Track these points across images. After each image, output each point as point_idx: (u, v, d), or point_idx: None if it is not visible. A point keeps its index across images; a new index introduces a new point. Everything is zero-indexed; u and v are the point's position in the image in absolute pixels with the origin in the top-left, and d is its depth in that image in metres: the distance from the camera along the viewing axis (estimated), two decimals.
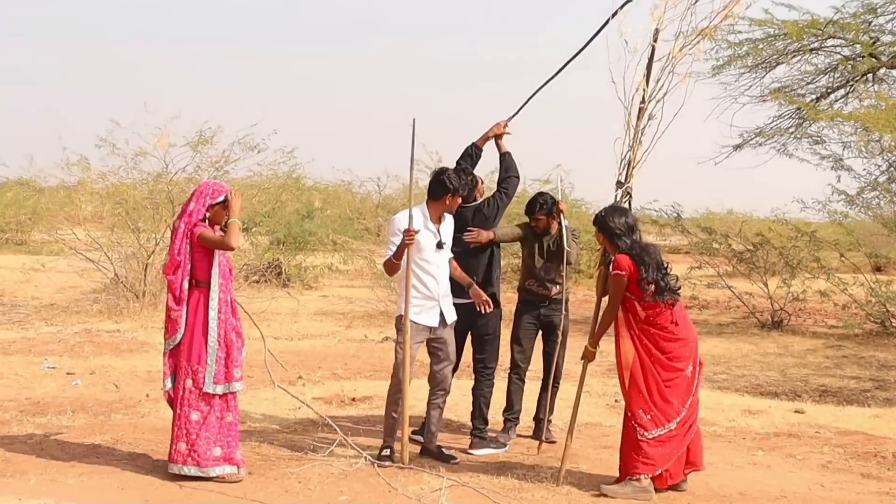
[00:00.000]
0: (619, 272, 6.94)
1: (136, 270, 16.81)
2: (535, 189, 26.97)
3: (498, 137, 8.47)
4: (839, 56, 18.13)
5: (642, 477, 6.86)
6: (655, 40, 7.34)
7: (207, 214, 7.14)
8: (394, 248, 7.50)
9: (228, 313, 7.12)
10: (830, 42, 18.21)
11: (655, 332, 6.95)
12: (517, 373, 8.46)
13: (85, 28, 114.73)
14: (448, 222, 7.80)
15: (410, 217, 7.45)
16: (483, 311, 7.83)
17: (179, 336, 7.07)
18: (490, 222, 8.29)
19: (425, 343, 7.75)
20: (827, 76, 18.54)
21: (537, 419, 8.58)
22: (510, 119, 8.44)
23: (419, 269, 7.57)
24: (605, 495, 6.86)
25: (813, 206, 17.54)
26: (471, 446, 8.21)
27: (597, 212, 7.36)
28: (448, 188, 7.59)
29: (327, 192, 31.36)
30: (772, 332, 16.90)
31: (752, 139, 19.02)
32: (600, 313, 7.27)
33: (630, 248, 7.00)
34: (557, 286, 8.39)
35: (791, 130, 18.57)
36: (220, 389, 7.04)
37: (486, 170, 10.20)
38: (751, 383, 12.13)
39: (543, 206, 8.37)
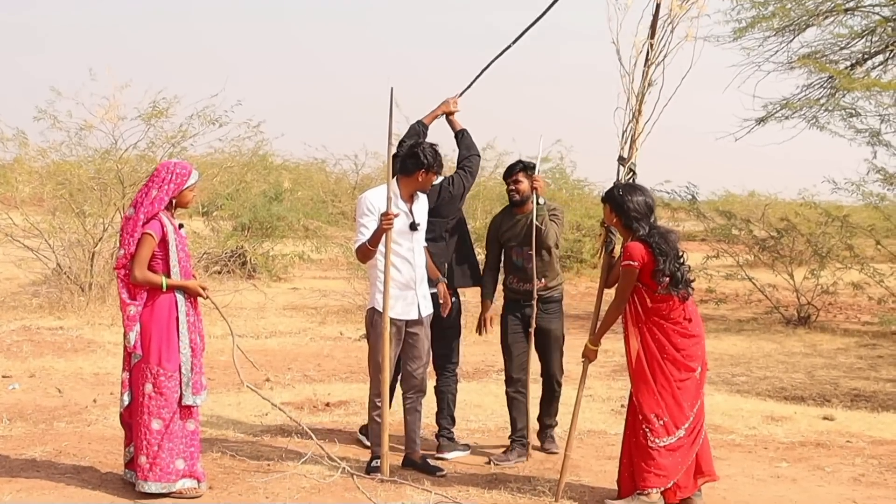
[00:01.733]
0: (631, 262, 6.90)
1: (82, 260, 16.78)
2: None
3: (449, 115, 8.60)
4: (877, 17, 18.07)
5: (652, 491, 6.88)
6: None
7: (174, 201, 7.13)
8: (365, 231, 7.53)
9: (194, 314, 7.15)
10: (868, 1, 18.20)
11: (669, 328, 6.97)
12: (513, 386, 8.35)
13: None
14: (421, 202, 7.83)
15: (389, 198, 7.47)
16: (444, 314, 8.02)
17: (136, 331, 6.98)
18: (457, 202, 8.39)
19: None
20: (863, 40, 18.49)
21: (541, 422, 8.60)
22: (460, 95, 8.60)
23: (392, 256, 7.57)
24: None
25: (846, 187, 17.57)
26: (438, 449, 8.36)
27: (610, 188, 7.23)
28: (422, 163, 7.61)
29: (298, 171, 31.41)
30: (798, 330, 16.98)
31: (777, 112, 18.98)
32: (603, 307, 7.31)
33: (648, 235, 6.96)
34: (542, 279, 8.27)
35: (822, 101, 18.53)
36: (199, 400, 7.09)
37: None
38: (774, 386, 12.17)
39: (525, 168, 8.27)
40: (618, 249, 7.28)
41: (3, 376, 11.21)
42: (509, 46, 8.34)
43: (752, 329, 17.13)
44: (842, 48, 18.60)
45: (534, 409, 8.57)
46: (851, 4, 17.96)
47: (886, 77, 18.07)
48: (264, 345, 14.19)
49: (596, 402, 10.67)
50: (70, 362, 12.29)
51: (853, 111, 17.59)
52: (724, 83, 18.41)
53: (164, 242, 7.02)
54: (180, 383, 7.00)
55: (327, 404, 10.22)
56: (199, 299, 7.24)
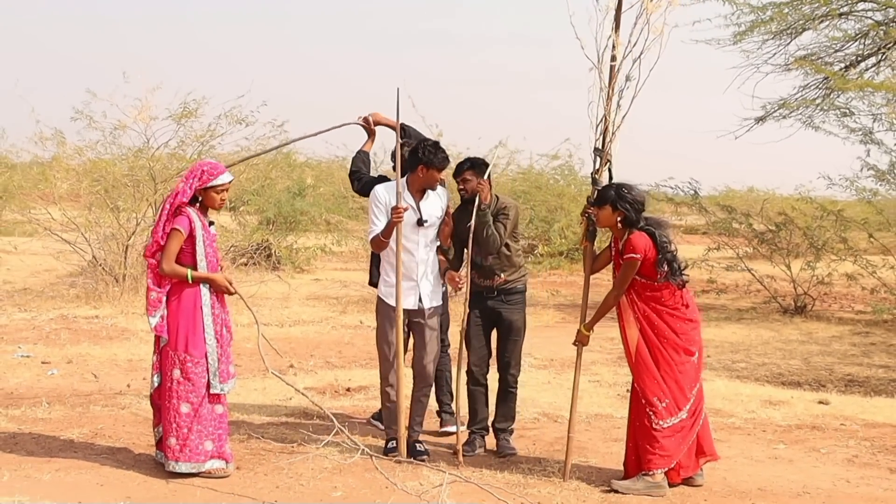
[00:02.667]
0: (634, 255, 6.88)
1: (116, 252, 16.82)
2: (541, 165, 27.11)
3: (378, 122, 8.44)
4: (870, 21, 17.99)
5: (657, 472, 6.89)
6: None
7: (199, 198, 7.19)
8: (377, 223, 7.57)
9: (220, 307, 7.20)
10: (861, 6, 18.10)
11: (667, 313, 6.96)
12: (471, 377, 8.01)
13: None
14: (431, 199, 7.75)
15: (399, 193, 7.51)
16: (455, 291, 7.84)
17: (158, 315, 7.12)
18: None
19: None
20: (857, 43, 18.43)
21: (494, 427, 8.11)
22: (363, 118, 8.45)
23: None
24: (617, 491, 6.90)
25: (840, 183, 17.50)
26: (441, 424, 8.44)
27: (603, 190, 7.10)
28: (420, 159, 7.58)
29: (320, 168, 31.33)
30: (795, 318, 16.94)
31: (775, 111, 18.93)
32: (590, 294, 7.30)
33: (648, 225, 6.96)
34: (502, 273, 7.90)
35: (817, 101, 18.48)
36: (227, 388, 7.17)
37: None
38: (772, 372, 12.15)
39: (473, 166, 7.85)
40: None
41: (43, 362, 11.26)
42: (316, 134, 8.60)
43: (751, 318, 17.09)
44: (836, 51, 18.56)
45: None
46: (845, 9, 17.91)
47: (879, 78, 18.00)
48: (288, 333, 14.21)
49: (602, 387, 10.67)
50: (105, 349, 12.33)
51: (847, 111, 17.51)
52: (725, 84, 18.36)
53: (191, 238, 7.07)
54: (207, 370, 7.06)
55: (348, 389, 10.23)
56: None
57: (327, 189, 28.23)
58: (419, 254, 7.67)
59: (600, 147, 7.24)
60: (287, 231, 22.83)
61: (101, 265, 16.82)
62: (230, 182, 7.32)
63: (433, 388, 8.18)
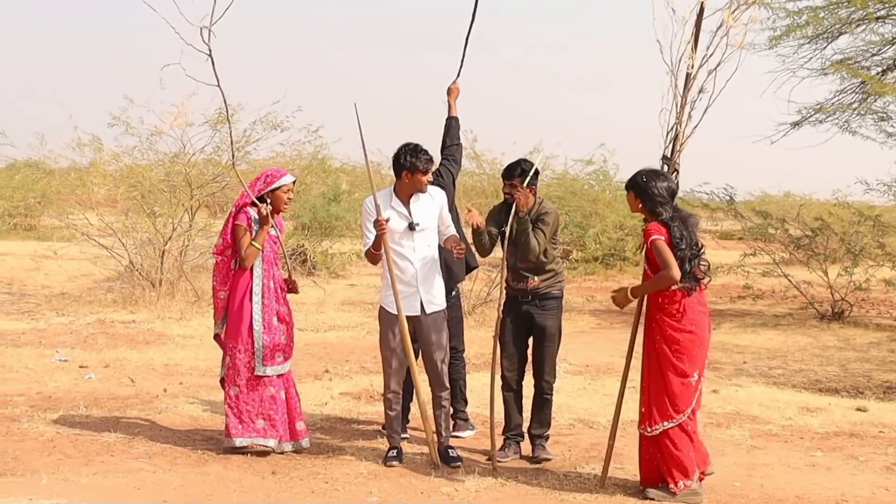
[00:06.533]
0: (658, 237, 6.71)
1: (153, 257, 16.93)
2: (576, 170, 27.08)
3: (454, 98, 8.72)
4: None
5: (684, 481, 6.80)
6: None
7: (268, 200, 7.78)
8: (369, 235, 7.57)
9: (272, 298, 7.78)
10: None
11: (660, 318, 6.81)
12: (505, 383, 7.95)
13: None
14: (423, 202, 7.68)
15: (377, 206, 7.51)
16: (455, 256, 7.67)
17: (222, 323, 7.89)
18: (450, 191, 8.31)
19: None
20: (894, 47, 18.33)
21: (530, 433, 8.02)
22: (458, 78, 8.76)
23: (394, 255, 7.57)
24: (652, 500, 6.85)
25: (878, 188, 17.44)
26: (454, 429, 8.38)
27: (633, 175, 7.00)
28: (403, 165, 7.56)
29: (355, 174, 31.36)
30: (832, 324, 16.82)
31: (811, 116, 18.81)
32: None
33: (671, 219, 6.77)
34: (536, 277, 7.82)
35: (854, 106, 18.36)
36: (269, 371, 7.77)
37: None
38: (809, 379, 12.08)
39: (524, 173, 7.70)
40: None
41: (81, 366, 11.32)
42: (473, 20, 8.67)
43: (788, 324, 16.97)
44: (873, 54, 18.42)
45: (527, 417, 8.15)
46: (883, 13, 17.77)
47: None
48: (324, 338, 14.24)
49: (638, 392, 10.59)
50: (142, 353, 12.39)
51: (884, 115, 17.41)
52: (761, 89, 18.27)
53: (250, 232, 7.81)
54: (253, 356, 7.74)
55: (382, 394, 10.22)
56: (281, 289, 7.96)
57: (362, 195, 28.22)
58: (416, 259, 7.61)
59: (668, 155, 7.21)
60: (322, 236, 22.89)
61: (137, 270, 16.93)
62: (293, 182, 8.00)
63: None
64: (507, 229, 7.51)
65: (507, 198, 7.78)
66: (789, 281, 18.37)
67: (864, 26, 17.90)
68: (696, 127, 7.20)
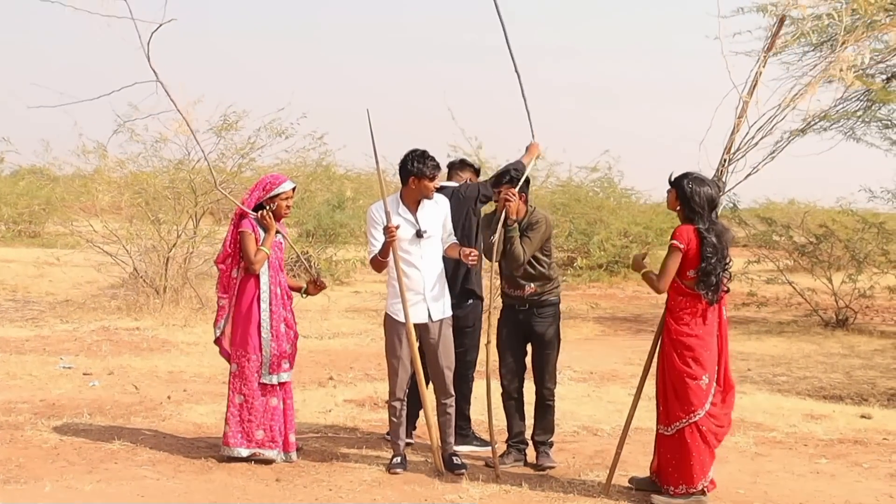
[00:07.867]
0: (676, 243, 6.73)
1: (157, 264, 16.94)
2: (581, 177, 27.07)
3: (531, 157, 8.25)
4: None
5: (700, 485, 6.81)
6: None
7: (269, 207, 7.76)
8: (375, 243, 7.55)
9: (279, 305, 7.76)
10: None
11: (677, 320, 6.83)
12: (505, 391, 7.96)
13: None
14: (428, 209, 7.66)
15: (387, 212, 7.48)
16: (469, 263, 7.66)
17: (222, 324, 7.83)
18: (468, 205, 8.24)
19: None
20: None
21: (534, 440, 8.04)
22: (533, 136, 8.28)
23: (401, 262, 7.55)
24: None
25: (882, 196, 17.45)
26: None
27: (680, 175, 6.92)
28: (410, 171, 7.54)
29: (359, 180, 31.41)
30: (836, 332, 16.81)
31: (815, 123, 18.84)
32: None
33: (707, 230, 6.74)
34: (532, 284, 7.79)
35: (859, 113, 18.37)
36: (275, 379, 7.72)
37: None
38: (813, 386, 12.07)
39: (512, 180, 7.69)
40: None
41: (84, 374, 11.33)
42: (518, 75, 8.10)
43: (792, 331, 16.97)
44: (878, 62, 18.38)
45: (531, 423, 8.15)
46: (887, 21, 17.75)
47: None
48: (328, 345, 14.24)
49: (643, 399, 10.56)
50: (146, 361, 12.40)
51: (889, 122, 17.41)
52: (766, 96, 18.23)
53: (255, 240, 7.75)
54: (261, 364, 7.69)
55: (387, 401, 10.21)
56: (296, 297, 8.09)
57: (367, 202, 28.24)
58: (423, 266, 7.60)
59: (718, 174, 7.30)
60: (326, 243, 22.91)
61: (142, 277, 16.95)
62: (293, 189, 7.95)
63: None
64: (496, 237, 7.51)
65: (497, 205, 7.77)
66: (793, 288, 18.36)
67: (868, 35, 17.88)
68: (744, 155, 7.45)
